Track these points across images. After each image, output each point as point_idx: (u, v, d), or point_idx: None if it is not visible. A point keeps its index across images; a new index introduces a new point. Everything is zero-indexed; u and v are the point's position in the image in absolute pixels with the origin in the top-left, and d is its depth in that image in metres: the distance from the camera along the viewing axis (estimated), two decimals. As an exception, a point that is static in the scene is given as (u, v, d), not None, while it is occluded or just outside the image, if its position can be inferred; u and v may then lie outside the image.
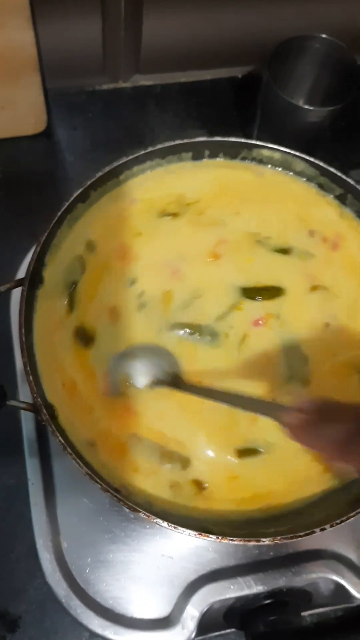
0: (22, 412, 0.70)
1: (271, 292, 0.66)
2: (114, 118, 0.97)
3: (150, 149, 0.67)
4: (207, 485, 0.59)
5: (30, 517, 0.68)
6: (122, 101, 0.98)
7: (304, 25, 0.94)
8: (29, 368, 0.56)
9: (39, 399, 0.55)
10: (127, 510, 0.51)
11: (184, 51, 0.96)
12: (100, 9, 0.85)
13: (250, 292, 0.66)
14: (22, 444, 0.71)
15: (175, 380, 0.61)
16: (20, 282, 0.60)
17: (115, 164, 0.66)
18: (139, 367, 0.61)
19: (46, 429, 0.70)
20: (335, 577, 0.66)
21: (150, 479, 0.59)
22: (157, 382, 0.61)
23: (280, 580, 0.65)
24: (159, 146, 0.67)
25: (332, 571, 0.66)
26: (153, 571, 0.67)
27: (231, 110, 0.98)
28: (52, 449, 0.70)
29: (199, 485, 0.59)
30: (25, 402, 0.56)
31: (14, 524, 0.70)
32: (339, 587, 0.66)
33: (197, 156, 0.70)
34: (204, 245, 0.68)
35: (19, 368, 0.72)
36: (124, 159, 0.66)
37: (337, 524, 0.53)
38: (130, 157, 0.66)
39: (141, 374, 0.61)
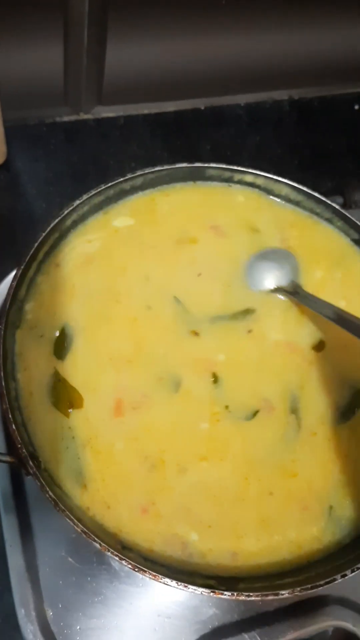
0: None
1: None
2: (77, 150, 0.93)
3: (129, 176, 0.63)
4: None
5: (7, 584, 0.60)
6: (85, 133, 0.95)
7: (260, 56, 0.95)
8: (10, 416, 0.50)
9: (24, 451, 0.49)
10: (135, 571, 0.46)
11: (147, 82, 0.94)
12: (63, 36, 0.82)
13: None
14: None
15: (295, 289, 0.63)
16: (-6, 322, 0.54)
17: (94, 191, 0.62)
18: (268, 269, 0.64)
19: (23, 483, 0.63)
20: (344, 625, 0.61)
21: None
22: (279, 289, 0.64)
23: (288, 633, 0.60)
24: (139, 172, 0.63)
25: (341, 619, 0.62)
26: (150, 634, 0.60)
27: (197, 141, 0.96)
28: (30, 504, 0.62)
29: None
30: (8, 455, 0.50)
31: (-12, 592, 0.62)
32: (349, 636, 0.62)
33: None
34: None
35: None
36: (102, 186, 0.62)
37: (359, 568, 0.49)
38: (110, 183, 0.62)
39: (268, 278, 0.64)
